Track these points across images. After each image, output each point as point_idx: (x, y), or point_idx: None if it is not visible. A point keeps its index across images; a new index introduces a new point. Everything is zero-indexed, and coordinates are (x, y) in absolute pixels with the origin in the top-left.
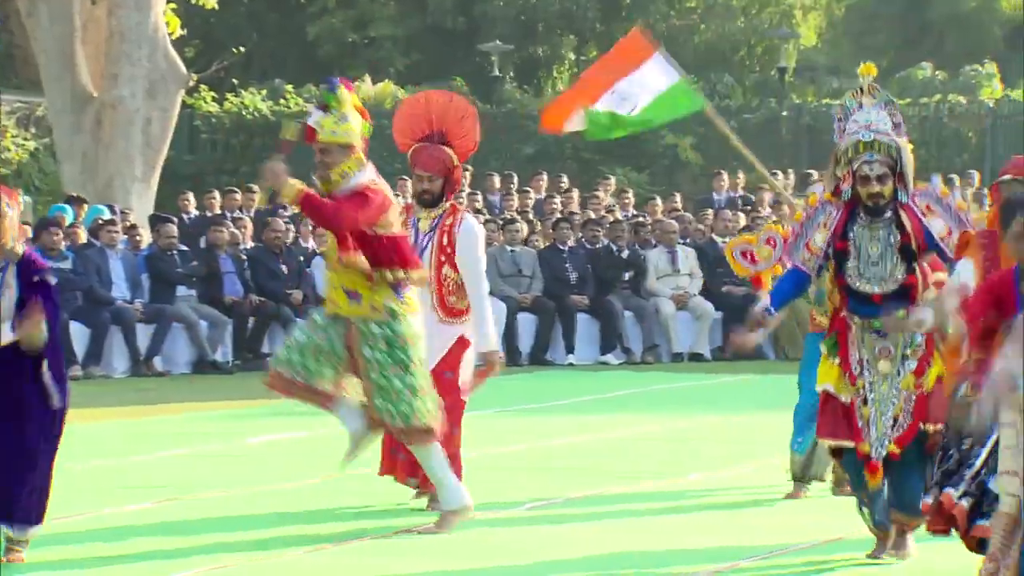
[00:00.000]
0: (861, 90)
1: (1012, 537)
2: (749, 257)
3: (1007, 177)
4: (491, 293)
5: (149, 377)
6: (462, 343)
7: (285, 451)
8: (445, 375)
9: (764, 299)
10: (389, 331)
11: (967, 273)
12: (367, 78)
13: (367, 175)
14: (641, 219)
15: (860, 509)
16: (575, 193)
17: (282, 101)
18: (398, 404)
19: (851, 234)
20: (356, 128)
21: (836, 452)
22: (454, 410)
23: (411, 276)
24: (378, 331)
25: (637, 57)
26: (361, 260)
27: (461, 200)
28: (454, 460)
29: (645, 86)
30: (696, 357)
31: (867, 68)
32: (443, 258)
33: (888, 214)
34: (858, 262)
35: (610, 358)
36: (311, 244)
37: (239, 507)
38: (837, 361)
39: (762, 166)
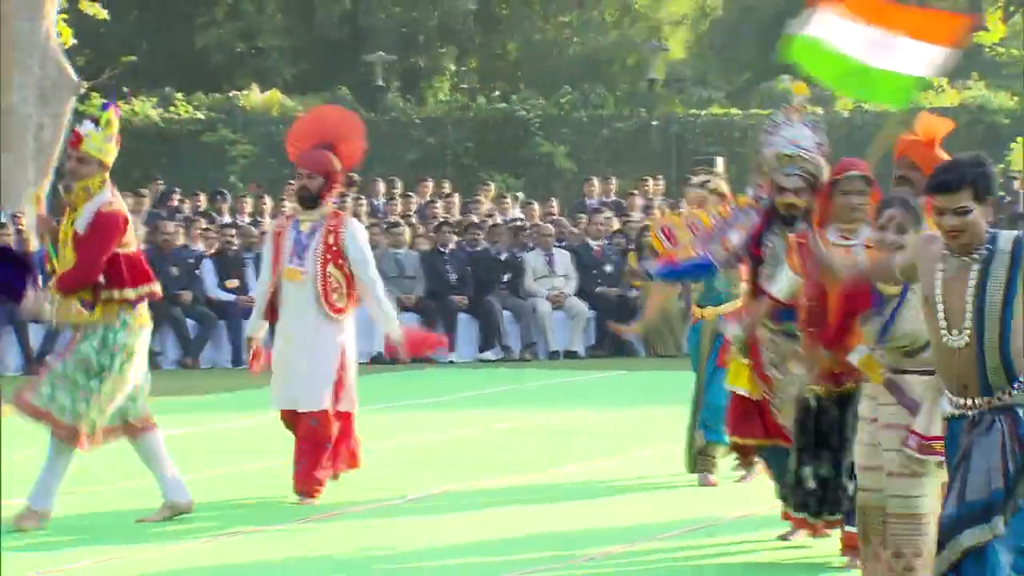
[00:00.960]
0: (790, 107)
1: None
2: (669, 236)
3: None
4: None
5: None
6: (343, 347)
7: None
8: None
9: (652, 264)
10: (112, 336)
11: (787, 279)
12: (255, 87)
13: (106, 195)
14: (519, 223)
15: (782, 496)
16: (456, 198)
17: (172, 108)
18: (74, 400)
19: (767, 241)
20: (113, 152)
21: (743, 448)
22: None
23: (151, 290)
24: (102, 333)
25: (942, 37)
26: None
27: (345, 206)
28: (353, 456)
29: (904, 55)
30: (571, 355)
31: (799, 88)
32: (328, 257)
33: (802, 225)
34: (770, 267)
35: (489, 355)
36: (200, 246)
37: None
38: (748, 362)
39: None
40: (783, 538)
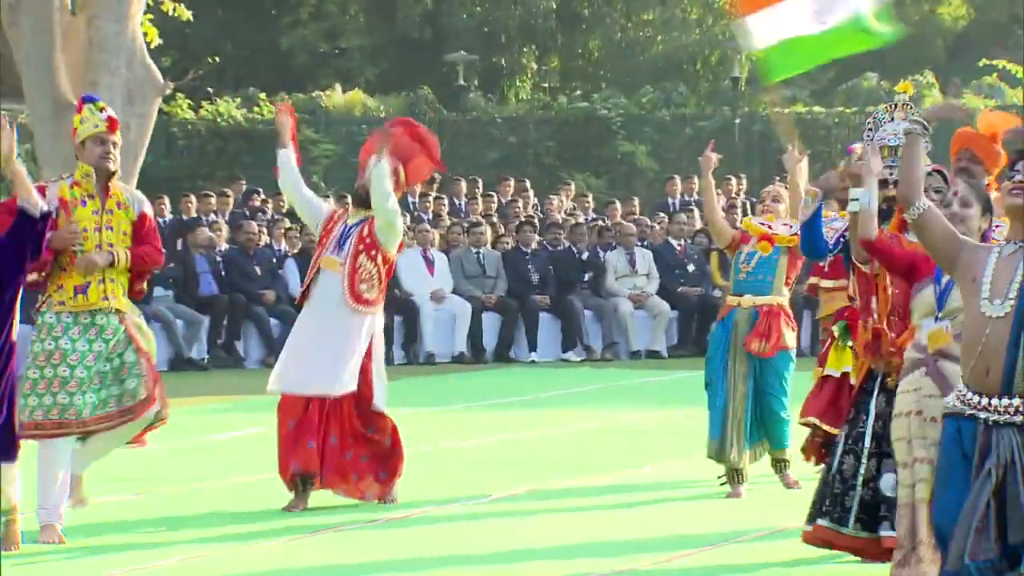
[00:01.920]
0: (895, 106)
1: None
2: (767, 227)
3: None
4: (456, 293)
5: None
6: (370, 340)
7: (253, 445)
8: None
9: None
10: (142, 320)
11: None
12: (337, 87)
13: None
14: (601, 222)
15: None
16: (532, 196)
17: (256, 109)
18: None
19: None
20: None
21: (827, 436)
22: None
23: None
24: (138, 317)
25: None
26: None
27: (427, 204)
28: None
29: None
30: (653, 354)
31: (904, 87)
32: (361, 247)
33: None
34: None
35: (571, 355)
36: (283, 246)
37: (215, 499)
38: (851, 344)
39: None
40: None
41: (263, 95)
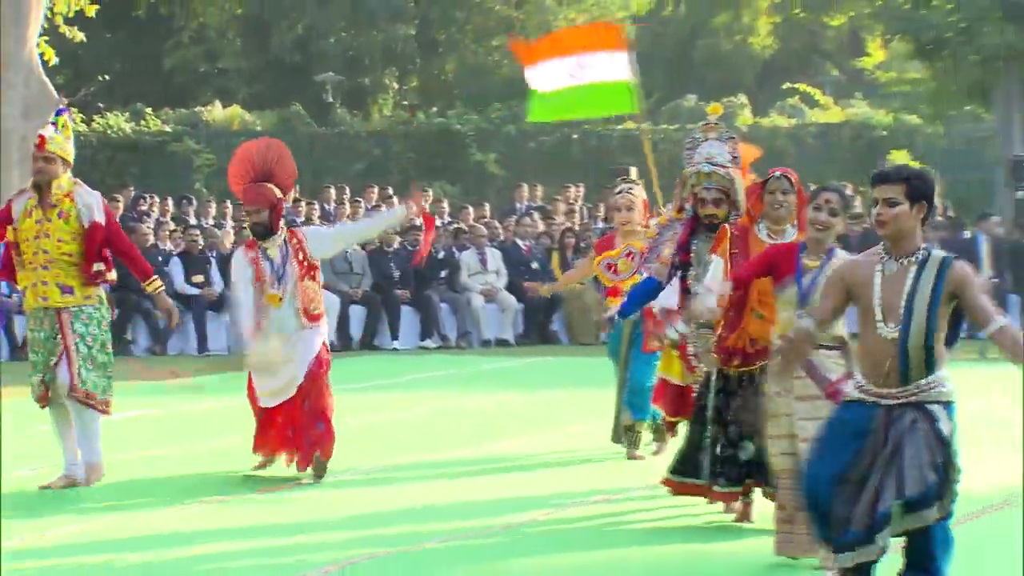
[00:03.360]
0: (708, 125)
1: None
2: (613, 269)
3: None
4: (327, 288)
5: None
6: (321, 347)
7: (145, 425)
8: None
9: (613, 308)
10: (99, 315)
11: (718, 268)
12: (217, 103)
13: (85, 188)
14: (456, 225)
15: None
16: (395, 202)
17: (142, 122)
18: (98, 377)
19: (692, 247)
20: (72, 152)
21: (673, 425)
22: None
23: (107, 273)
24: (93, 313)
25: (608, 43)
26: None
27: (299, 208)
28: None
29: (597, 69)
30: (502, 343)
31: (714, 108)
32: (302, 273)
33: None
34: (697, 270)
35: (428, 343)
36: (168, 245)
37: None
38: (677, 354)
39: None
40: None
41: (149, 109)
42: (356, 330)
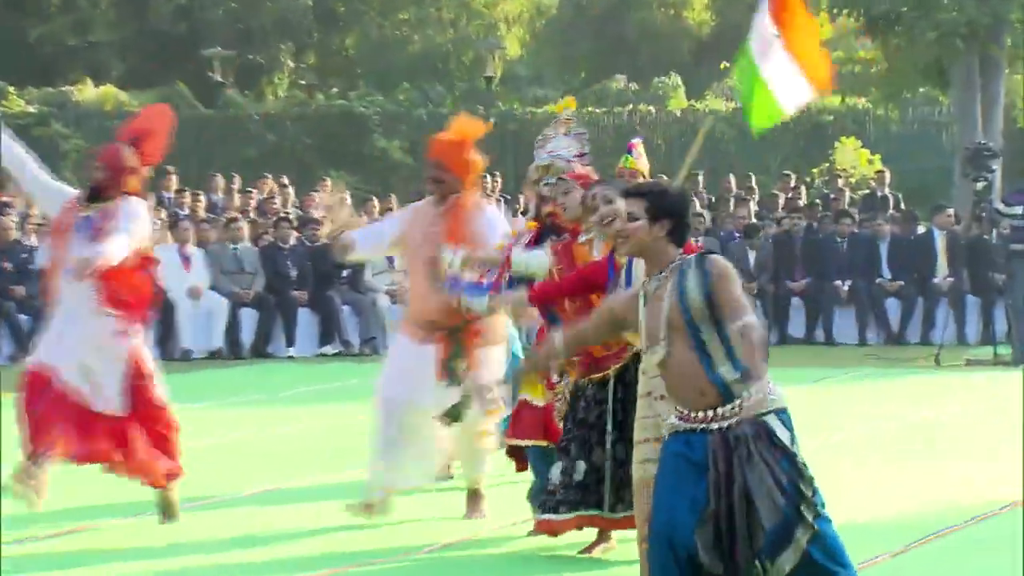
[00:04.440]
0: (559, 120)
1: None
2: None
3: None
4: (214, 289)
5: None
6: (123, 339)
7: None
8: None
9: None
10: None
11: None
12: (88, 81)
13: None
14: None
15: (536, 495)
16: (291, 192)
17: (3, 103)
18: None
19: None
20: None
21: (517, 451)
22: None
23: None
24: None
25: (813, 73)
26: None
27: (175, 212)
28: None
29: (782, 76)
30: None
31: (568, 103)
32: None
33: (566, 236)
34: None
35: (328, 349)
36: (35, 241)
37: None
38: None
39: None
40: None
41: (11, 88)
42: (247, 336)
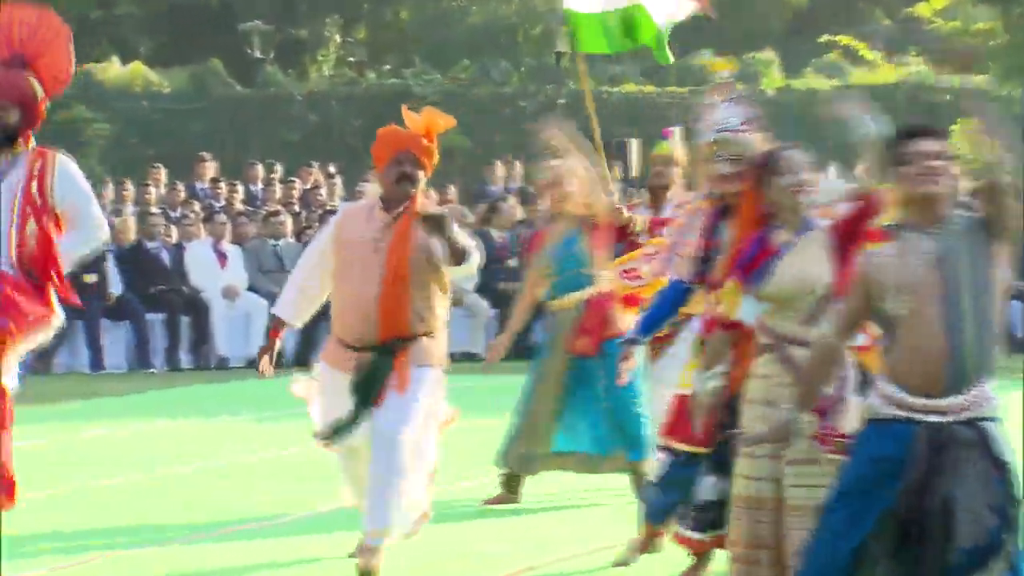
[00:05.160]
0: (715, 87)
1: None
2: (632, 274)
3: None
4: (252, 289)
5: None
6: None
7: None
8: None
9: (628, 330)
10: None
11: None
12: (114, 59)
13: None
14: None
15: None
16: (338, 183)
17: None
18: None
19: (718, 234)
20: None
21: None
22: None
23: None
24: None
25: None
26: None
27: (211, 204)
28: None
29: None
30: (469, 356)
31: (719, 64)
32: (29, 210)
33: None
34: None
35: None
36: None
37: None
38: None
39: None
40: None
41: None
42: (289, 342)
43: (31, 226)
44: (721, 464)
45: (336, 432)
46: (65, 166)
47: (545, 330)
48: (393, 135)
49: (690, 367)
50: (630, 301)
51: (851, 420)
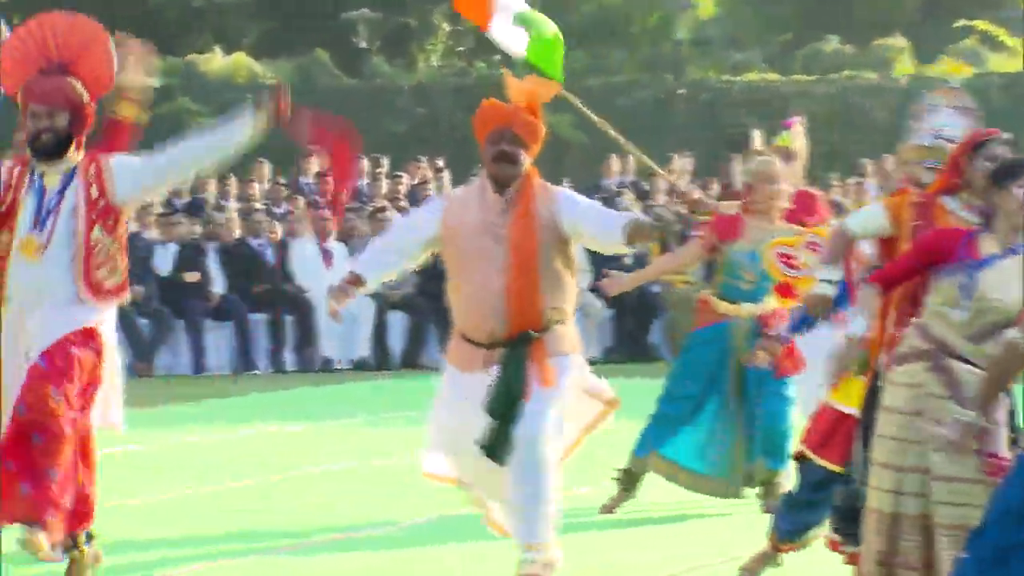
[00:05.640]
0: (944, 89)
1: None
2: (788, 261)
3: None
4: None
5: None
6: (90, 336)
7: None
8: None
9: (782, 325)
10: None
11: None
12: (217, 50)
13: None
14: None
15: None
16: (446, 177)
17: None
18: None
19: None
20: None
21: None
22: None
23: None
24: None
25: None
26: None
27: (315, 200)
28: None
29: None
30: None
31: (956, 68)
32: (94, 216)
33: None
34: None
35: None
36: (154, 233)
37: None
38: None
39: (641, 153)
40: None
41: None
42: (397, 343)
43: (96, 233)
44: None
45: (492, 450)
46: (117, 160)
47: (700, 332)
48: (490, 109)
49: (852, 384)
50: (785, 291)
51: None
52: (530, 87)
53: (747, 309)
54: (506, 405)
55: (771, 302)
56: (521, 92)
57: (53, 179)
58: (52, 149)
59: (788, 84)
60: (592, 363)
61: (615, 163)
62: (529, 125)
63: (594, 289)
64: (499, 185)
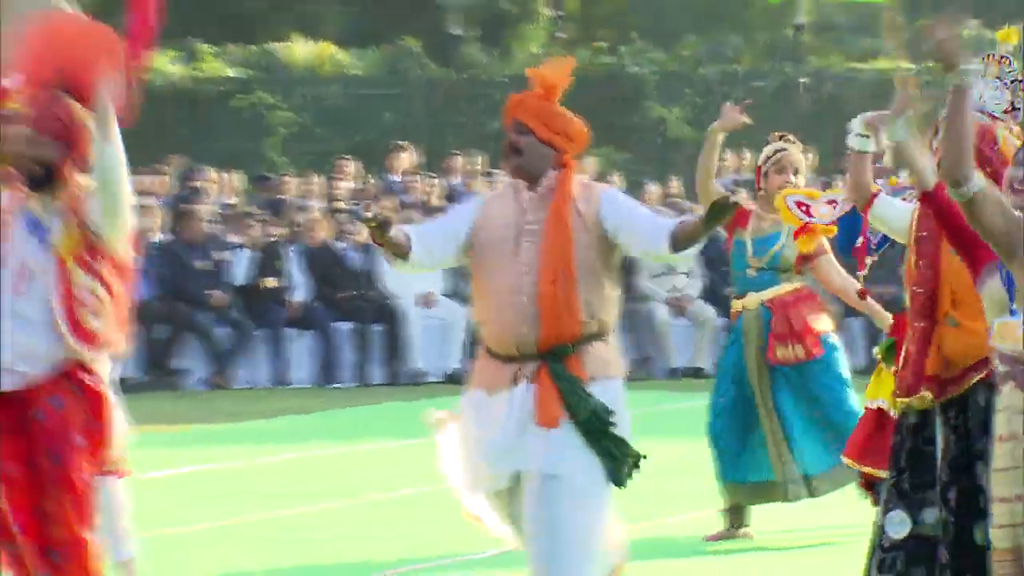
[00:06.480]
0: (991, 57)
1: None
2: (804, 209)
3: None
4: (451, 296)
5: None
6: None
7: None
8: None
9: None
10: None
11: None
12: (299, 39)
13: None
14: None
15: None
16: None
17: (197, 65)
18: None
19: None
20: None
21: (871, 480)
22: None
23: None
24: None
25: None
26: None
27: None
28: None
29: None
30: (694, 372)
31: (1005, 35)
32: (76, 251)
33: None
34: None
35: None
36: (235, 237)
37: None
38: (893, 370)
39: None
40: None
41: (207, 47)
42: (457, 361)
43: (79, 277)
44: (903, 494)
45: (620, 480)
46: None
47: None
48: (507, 103)
49: (875, 376)
50: (805, 231)
51: None
52: (545, 70)
53: (754, 298)
54: (590, 416)
55: (779, 287)
56: (538, 77)
57: (40, 210)
58: (37, 182)
59: (921, 72)
60: (704, 377)
61: (729, 159)
62: (534, 109)
63: (706, 296)
64: (527, 180)
